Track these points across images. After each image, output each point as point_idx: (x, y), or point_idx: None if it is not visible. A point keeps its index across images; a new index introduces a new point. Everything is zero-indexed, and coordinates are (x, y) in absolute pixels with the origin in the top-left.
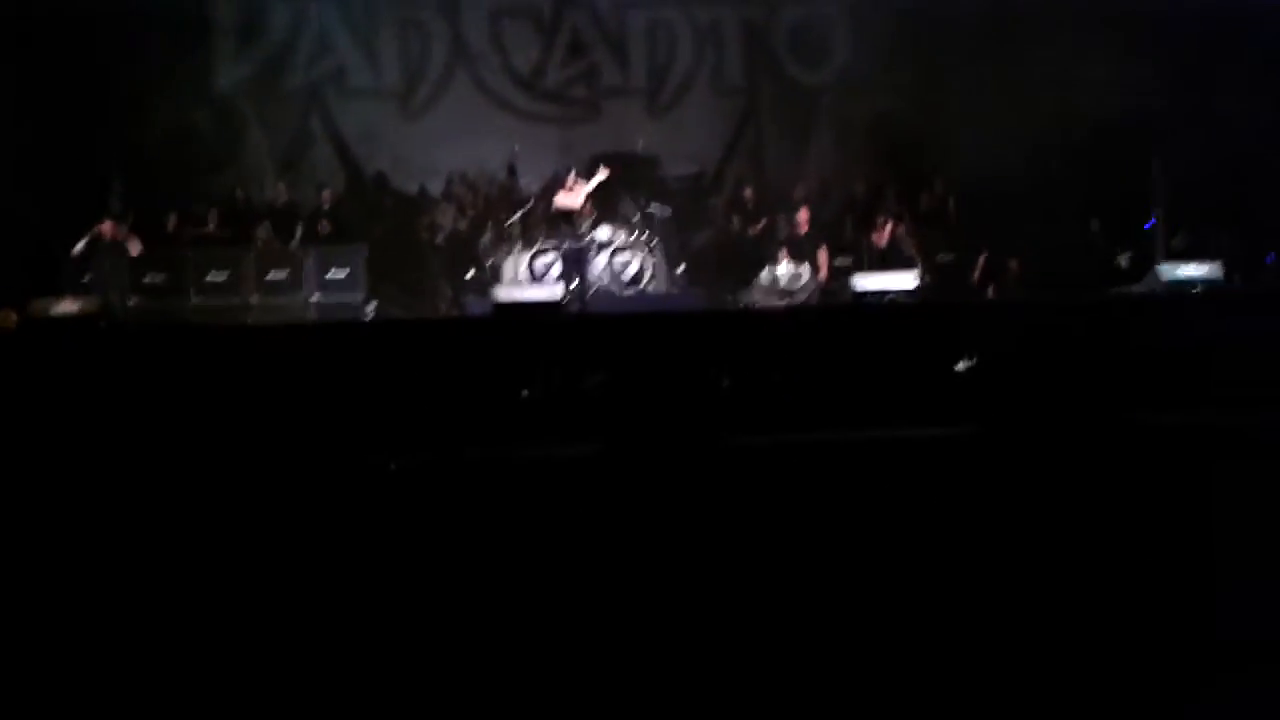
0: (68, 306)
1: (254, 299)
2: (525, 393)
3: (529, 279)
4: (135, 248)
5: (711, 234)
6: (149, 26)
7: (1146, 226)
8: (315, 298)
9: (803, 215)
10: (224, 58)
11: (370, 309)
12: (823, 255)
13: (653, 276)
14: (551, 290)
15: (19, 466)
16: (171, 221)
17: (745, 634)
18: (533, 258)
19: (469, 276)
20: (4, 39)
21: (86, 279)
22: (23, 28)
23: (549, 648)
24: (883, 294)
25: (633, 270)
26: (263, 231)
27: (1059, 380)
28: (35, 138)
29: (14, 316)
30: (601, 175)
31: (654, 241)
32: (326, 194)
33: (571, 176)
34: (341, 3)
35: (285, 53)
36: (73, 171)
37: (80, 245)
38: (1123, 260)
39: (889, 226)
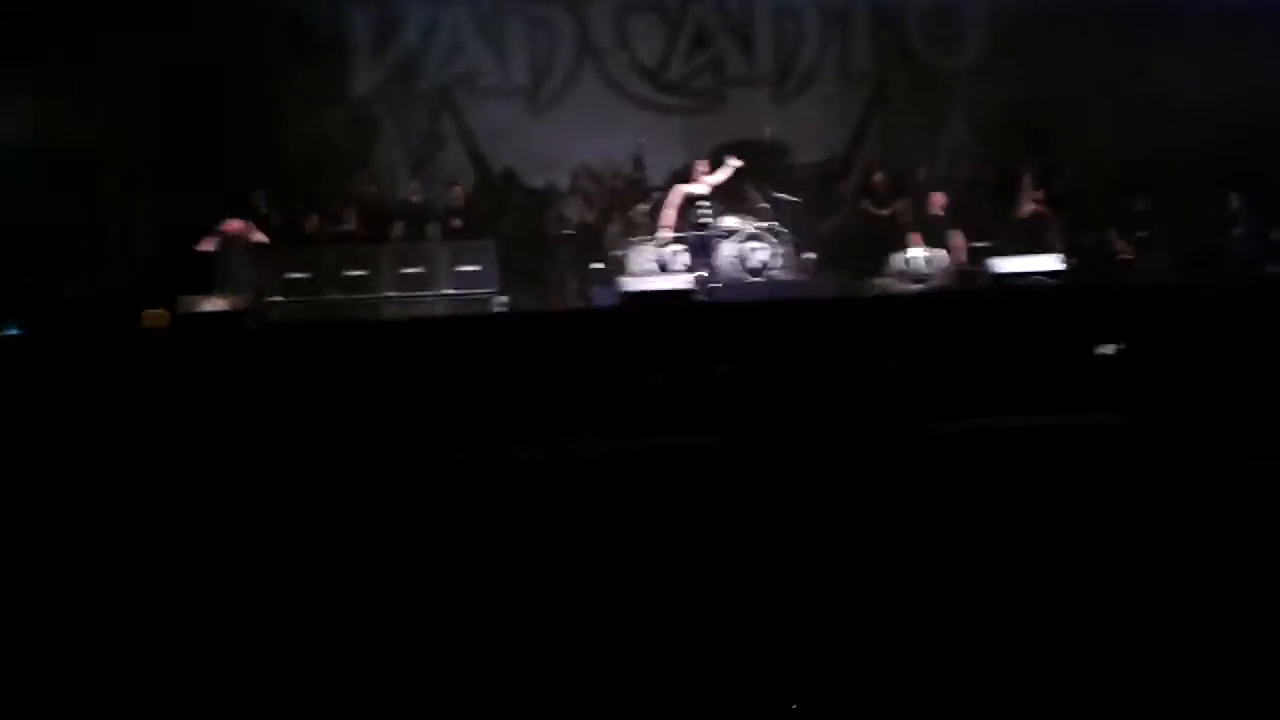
0: (215, 304)
1: (390, 294)
2: (654, 382)
3: (657, 269)
4: (260, 239)
5: (841, 220)
6: (287, 34)
7: None
8: (448, 292)
9: (937, 199)
10: (358, 63)
11: (501, 302)
12: (958, 238)
13: (782, 264)
14: (678, 279)
15: (176, 457)
16: (311, 221)
17: (881, 627)
18: (661, 247)
19: (597, 267)
20: (148, 46)
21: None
22: (162, 34)
23: (674, 634)
24: (1023, 276)
25: (761, 258)
26: (397, 229)
27: (1209, 365)
28: (181, 142)
29: (166, 315)
30: (732, 165)
31: (782, 229)
32: (458, 191)
33: (699, 166)
34: (472, 5)
35: (417, 57)
36: (216, 175)
37: (209, 242)
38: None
39: (1031, 207)
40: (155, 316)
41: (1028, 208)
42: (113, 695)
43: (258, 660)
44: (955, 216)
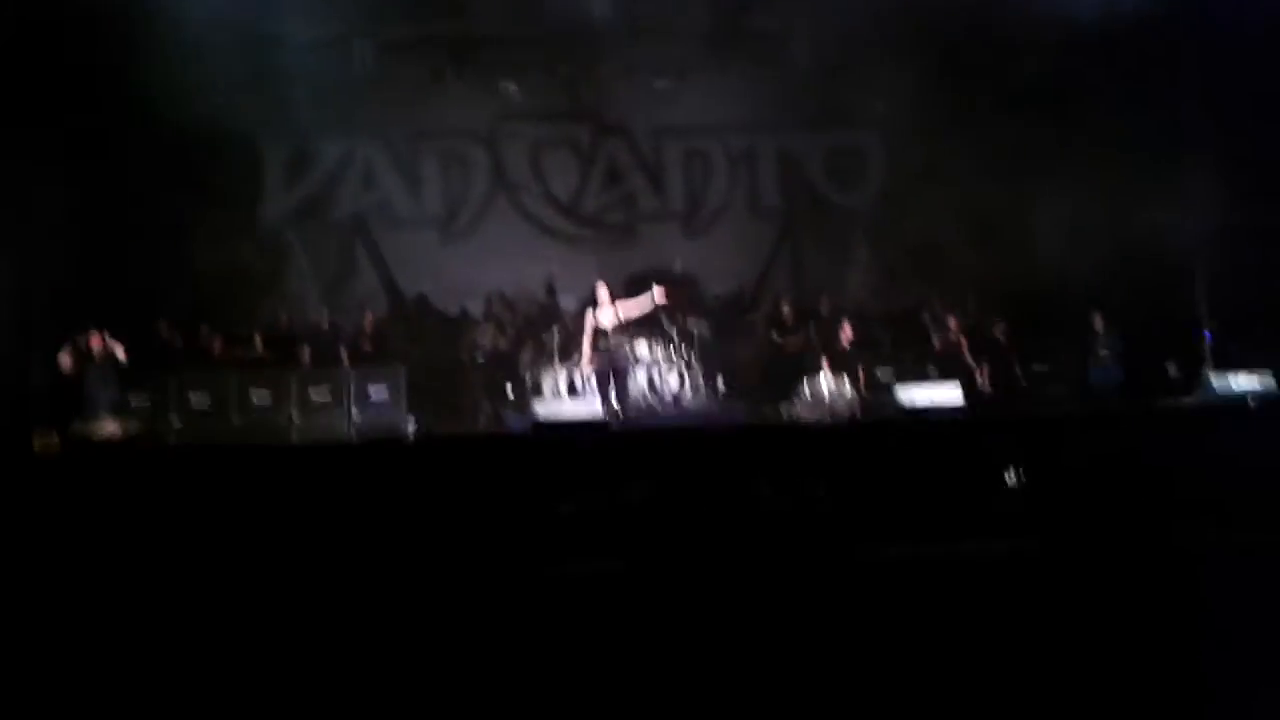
0: (110, 428)
1: (296, 419)
2: (564, 508)
3: (569, 395)
4: (121, 354)
5: (751, 349)
6: (199, 161)
7: (1200, 337)
8: (356, 417)
9: (846, 331)
10: (271, 191)
11: (412, 428)
12: (861, 370)
13: (693, 391)
14: (591, 406)
15: (60, 588)
16: (216, 345)
17: None
18: (572, 373)
19: (509, 394)
20: (53, 156)
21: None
22: (72, 146)
23: None
24: (930, 409)
25: (672, 385)
26: (305, 354)
27: (1109, 496)
28: (83, 259)
29: (55, 439)
30: (657, 297)
31: (693, 357)
32: (369, 317)
33: (602, 292)
34: (386, 138)
35: (331, 186)
36: (121, 302)
37: (65, 356)
38: (1171, 369)
39: (949, 338)
40: (45, 441)
41: (943, 338)
42: None
43: None
44: (862, 347)
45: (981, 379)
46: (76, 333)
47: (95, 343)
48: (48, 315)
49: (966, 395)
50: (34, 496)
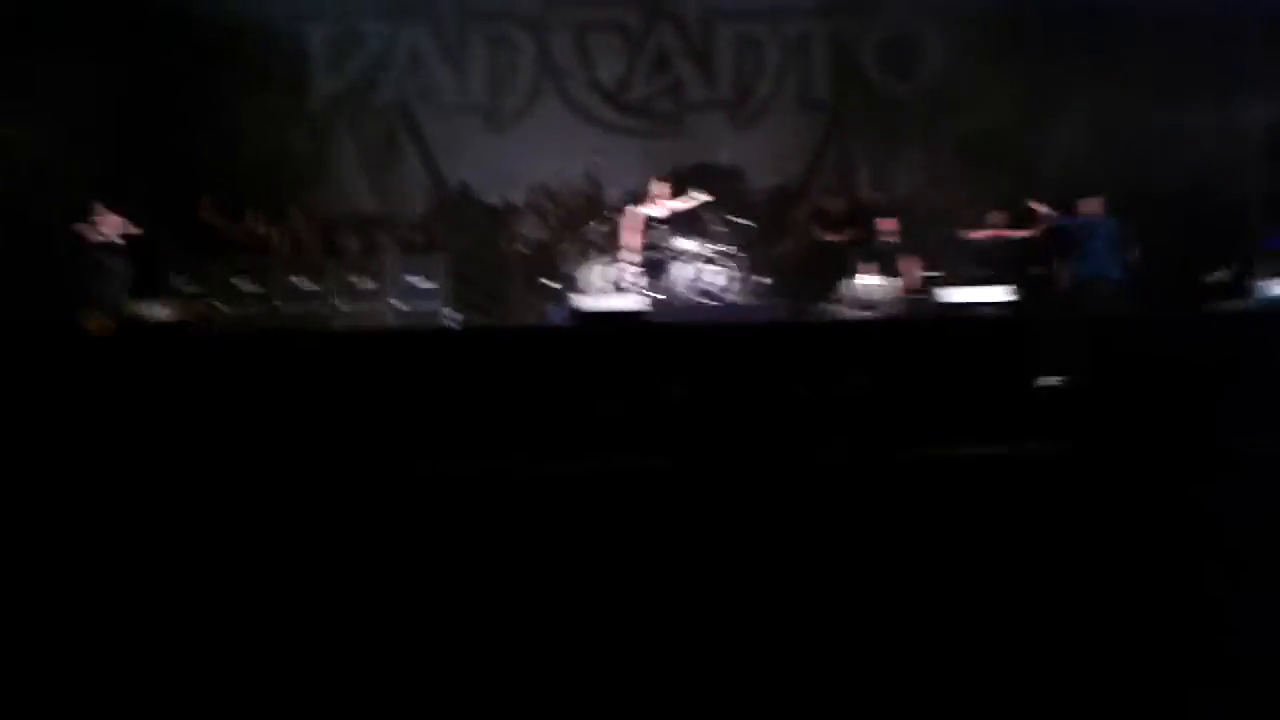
0: (162, 312)
1: (340, 306)
2: (603, 403)
3: (611, 289)
4: (132, 233)
5: (794, 245)
6: (245, 45)
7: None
8: (399, 305)
9: (889, 224)
10: (317, 75)
11: (453, 317)
12: (911, 265)
13: (735, 288)
14: (632, 300)
15: (108, 467)
16: (262, 230)
17: (813, 654)
18: (615, 267)
19: (551, 285)
20: (103, 52)
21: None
22: (118, 38)
23: (611, 663)
24: (971, 306)
25: (715, 281)
26: (349, 241)
27: (1152, 402)
28: (131, 148)
29: (111, 322)
30: (696, 198)
31: (736, 252)
32: (413, 205)
33: (656, 188)
34: (432, 22)
35: (376, 70)
36: (168, 183)
37: (89, 230)
38: (1222, 275)
39: (989, 233)
40: (100, 324)
41: (985, 233)
42: None
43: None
44: (909, 244)
45: (1028, 278)
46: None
47: (112, 224)
48: (94, 198)
49: (1012, 295)
50: (87, 375)
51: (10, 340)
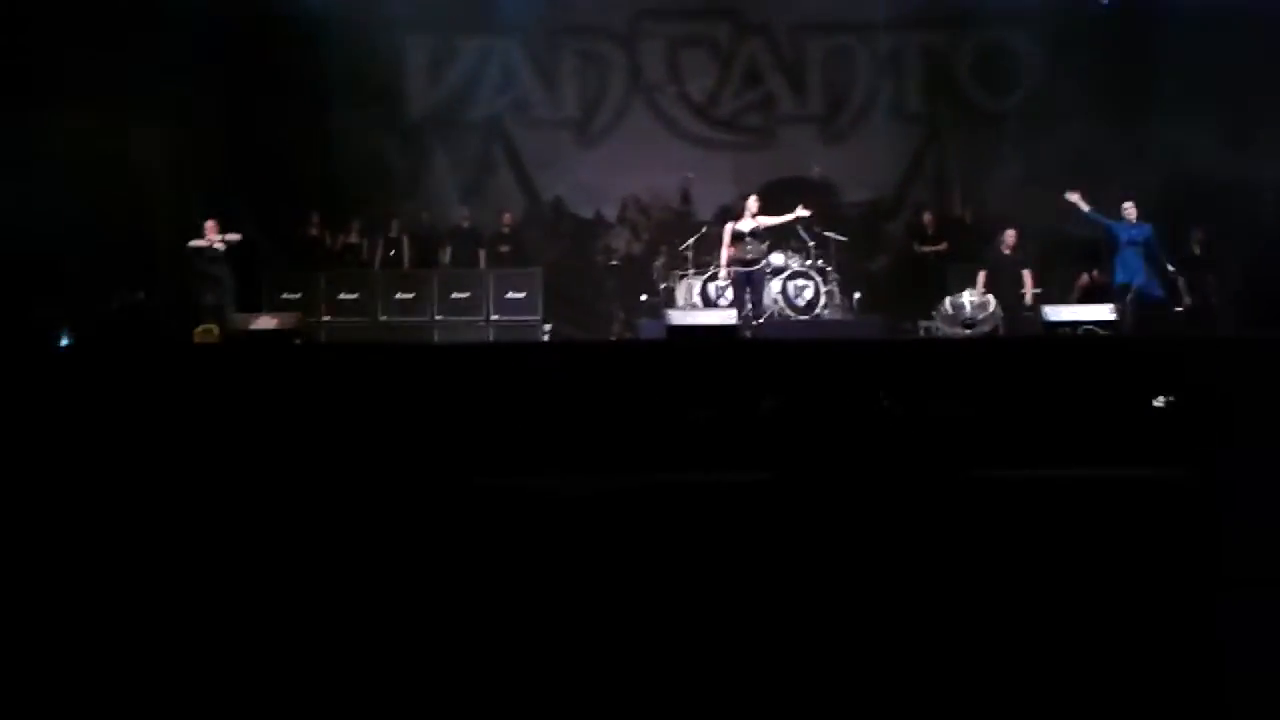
0: (266, 322)
1: (437, 317)
2: (696, 416)
3: (702, 303)
4: (232, 239)
5: (889, 260)
6: (347, 59)
7: None
8: (494, 318)
9: (1010, 236)
10: (413, 89)
11: (546, 330)
12: (1027, 278)
13: (828, 303)
14: (724, 314)
15: (211, 473)
16: (361, 241)
17: (909, 672)
18: (706, 281)
19: (643, 299)
20: (212, 64)
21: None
22: (222, 44)
23: (707, 673)
24: (1076, 325)
25: (807, 296)
26: (446, 254)
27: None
28: (238, 160)
29: (216, 330)
30: (799, 214)
31: (829, 267)
32: (507, 218)
33: (749, 202)
34: (524, 37)
35: (470, 85)
36: (271, 195)
37: (205, 238)
38: None
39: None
40: (206, 332)
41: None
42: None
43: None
44: (1009, 261)
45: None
46: (228, 228)
47: (212, 234)
48: (203, 209)
49: (1115, 315)
50: (189, 385)
51: (115, 347)
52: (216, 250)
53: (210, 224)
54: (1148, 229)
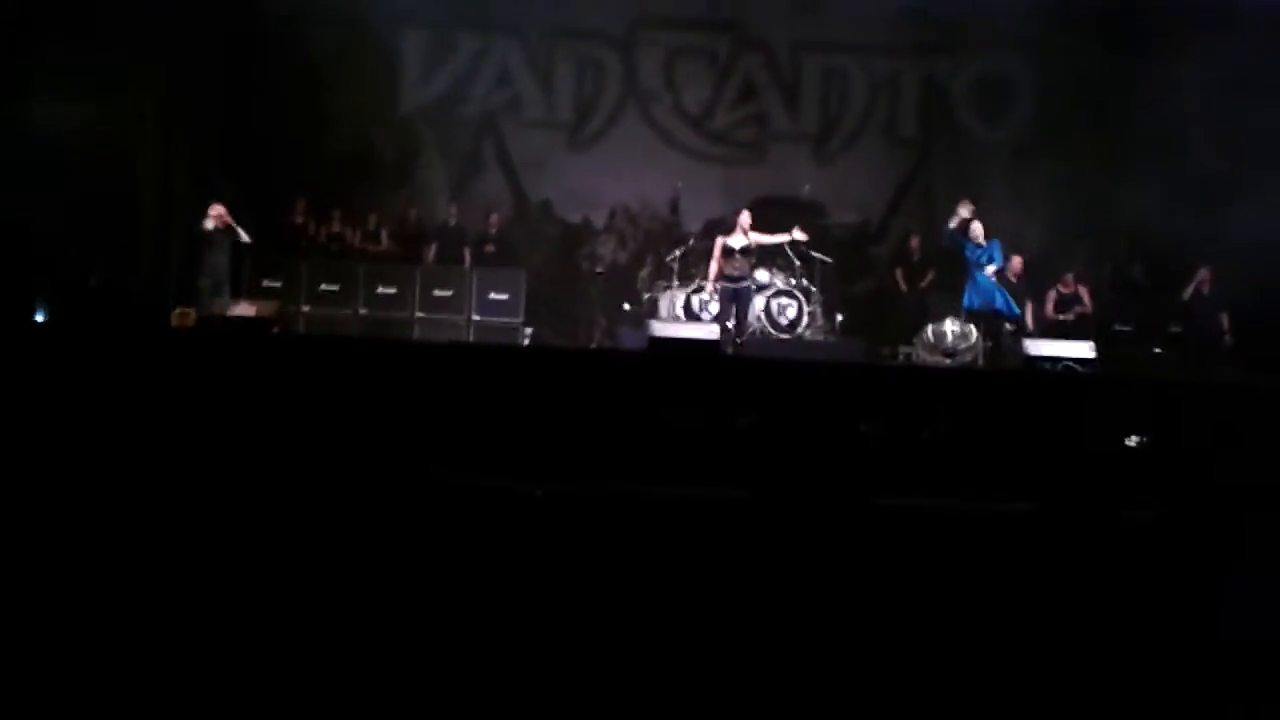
0: (244, 309)
1: (418, 314)
2: (673, 428)
3: (685, 316)
4: (244, 235)
5: (873, 284)
6: (342, 46)
7: None
8: (475, 318)
9: (1016, 263)
10: (408, 82)
11: (527, 334)
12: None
13: (810, 323)
14: (708, 329)
15: (186, 457)
16: (346, 233)
17: (878, 695)
18: (691, 294)
19: (626, 308)
20: (202, 43)
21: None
22: (217, 34)
23: (677, 688)
24: (1055, 360)
25: (790, 314)
26: (431, 250)
27: (1233, 465)
28: (225, 141)
29: (192, 315)
30: (796, 235)
31: (814, 287)
32: (494, 218)
33: (742, 217)
34: (522, 37)
35: (466, 82)
36: (260, 177)
37: (209, 221)
38: None
39: (1073, 289)
40: (183, 315)
41: (1070, 288)
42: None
43: (247, 666)
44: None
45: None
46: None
47: (217, 219)
48: (189, 196)
49: (1094, 353)
50: (165, 369)
51: (90, 325)
52: (227, 236)
53: (219, 209)
54: (994, 247)
